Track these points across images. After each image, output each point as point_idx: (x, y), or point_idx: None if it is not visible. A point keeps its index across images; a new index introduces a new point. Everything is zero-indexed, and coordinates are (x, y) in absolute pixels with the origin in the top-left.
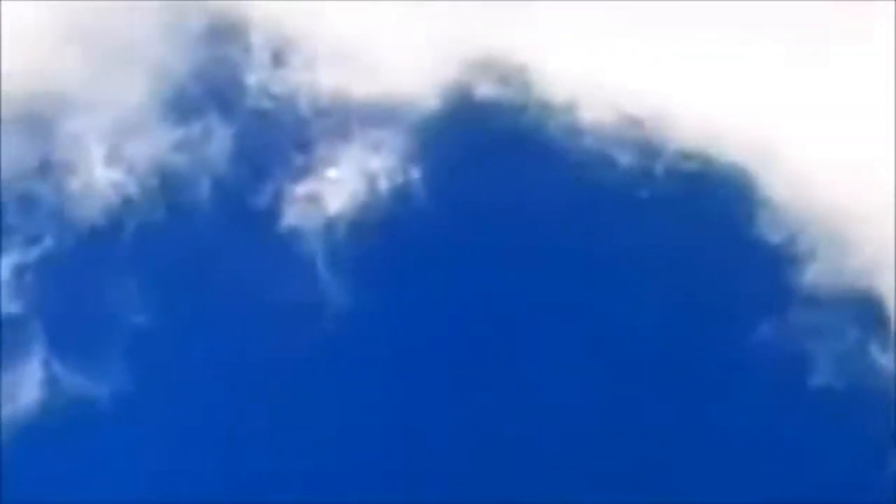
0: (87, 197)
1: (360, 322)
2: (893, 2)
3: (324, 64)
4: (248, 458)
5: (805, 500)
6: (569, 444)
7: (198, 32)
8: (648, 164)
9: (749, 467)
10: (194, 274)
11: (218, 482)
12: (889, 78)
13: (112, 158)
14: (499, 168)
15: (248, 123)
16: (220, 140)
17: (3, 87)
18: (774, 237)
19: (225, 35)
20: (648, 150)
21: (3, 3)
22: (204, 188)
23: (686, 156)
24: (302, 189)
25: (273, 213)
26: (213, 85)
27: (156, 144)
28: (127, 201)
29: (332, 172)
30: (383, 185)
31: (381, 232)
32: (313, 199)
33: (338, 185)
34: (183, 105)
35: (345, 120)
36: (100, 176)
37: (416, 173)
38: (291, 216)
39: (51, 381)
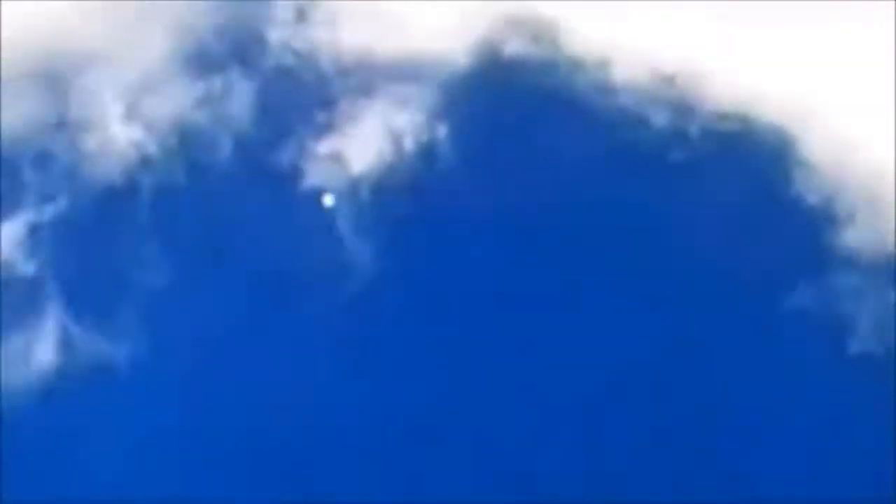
0: (104, 155)
1: (386, 285)
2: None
3: (347, 20)
4: (268, 423)
5: (844, 471)
6: (599, 407)
7: None
8: (683, 125)
9: (785, 436)
10: (214, 235)
11: (236, 447)
12: None
13: (130, 115)
14: (528, 127)
15: (269, 80)
16: (241, 97)
17: (20, 42)
18: (812, 199)
19: None
20: (683, 109)
21: None
22: (224, 146)
23: (722, 116)
24: (325, 147)
25: (295, 173)
26: (234, 41)
27: (175, 101)
28: (145, 159)
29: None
30: (409, 143)
31: (406, 192)
32: (336, 158)
33: (362, 144)
34: (204, 61)
35: (369, 77)
36: (117, 133)
37: (442, 132)
38: (314, 175)
39: (66, 344)
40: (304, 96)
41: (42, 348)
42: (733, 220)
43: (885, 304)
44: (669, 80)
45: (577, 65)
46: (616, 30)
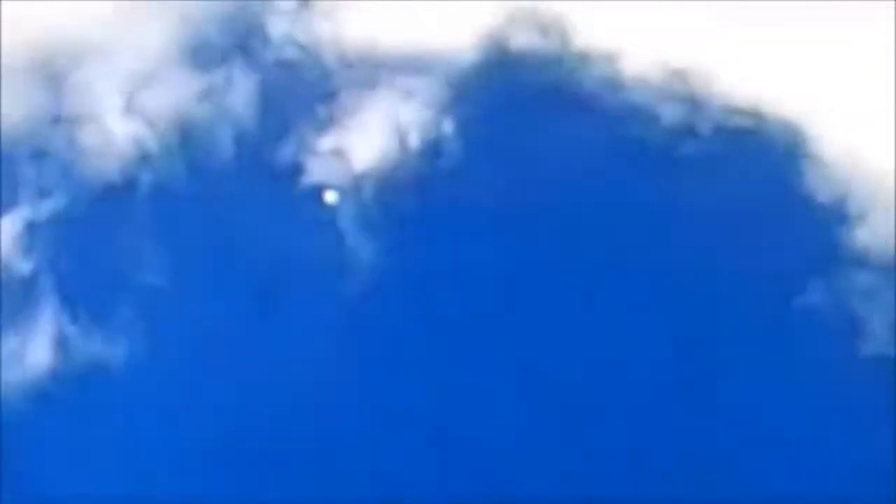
0: (101, 150)
1: (388, 284)
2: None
3: (351, 12)
4: (268, 422)
5: (854, 471)
6: (605, 404)
7: None
8: (693, 120)
9: (795, 437)
10: (213, 232)
11: (236, 447)
12: None
13: (129, 110)
14: (535, 123)
15: (271, 74)
16: (242, 91)
17: (16, 35)
18: (824, 196)
19: None
20: (693, 104)
21: None
22: (225, 142)
23: (733, 111)
24: (327, 142)
25: (297, 169)
26: (235, 33)
27: (175, 95)
28: (144, 155)
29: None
30: (413, 139)
31: (410, 188)
32: (339, 154)
33: (365, 139)
34: (204, 54)
35: (373, 71)
36: (116, 128)
37: (448, 127)
38: (316, 171)
39: (62, 344)
40: (306, 90)
41: (37, 348)
42: (743, 217)
43: None
44: (680, 74)
45: (585, 59)
46: (625, 23)
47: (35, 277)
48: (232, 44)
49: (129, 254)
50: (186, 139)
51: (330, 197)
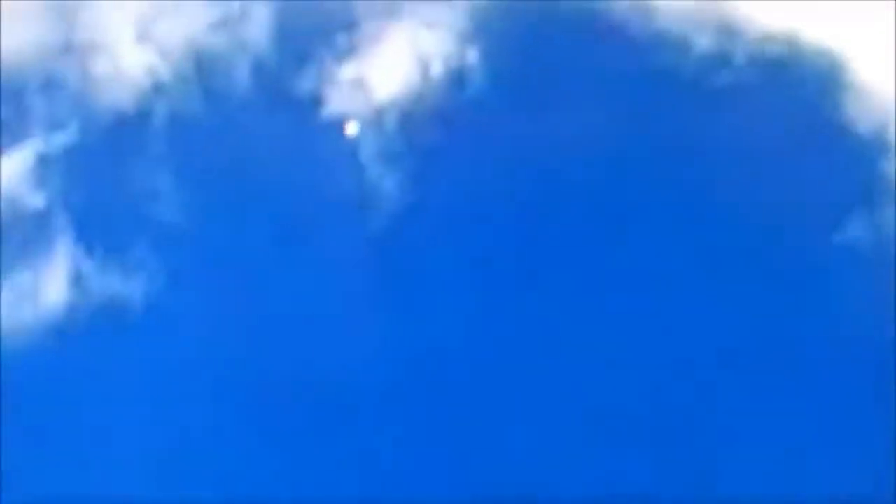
0: (114, 81)
1: (411, 218)
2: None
3: None
4: (288, 360)
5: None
6: (644, 344)
7: None
8: (727, 48)
9: (836, 379)
10: (231, 165)
11: (255, 387)
12: None
13: (142, 38)
14: (562, 51)
15: (289, 0)
16: (259, 19)
17: None
18: (864, 127)
19: None
20: (728, 31)
21: None
22: (242, 72)
23: (769, 38)
24: (347, 72)
25: (316, 100)
26: None
27: (190, 24)
28: (158, 85)
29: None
30: (437, 68)
31: (434, 120)
32: (360, 84)
33: (387, 69)
34: None
35: None
36: (129, 58)
37: (472, 56)
38: (336, 102)
39: (77, 280)
40: (325, 18)
41: (52, 285)
42: (780, 151)
43: None
44: (712, 1)
45: None
46: None
47: (48, 212)
48: None
49: (145, 187)
50: (202, 69)
51: (351, 128)
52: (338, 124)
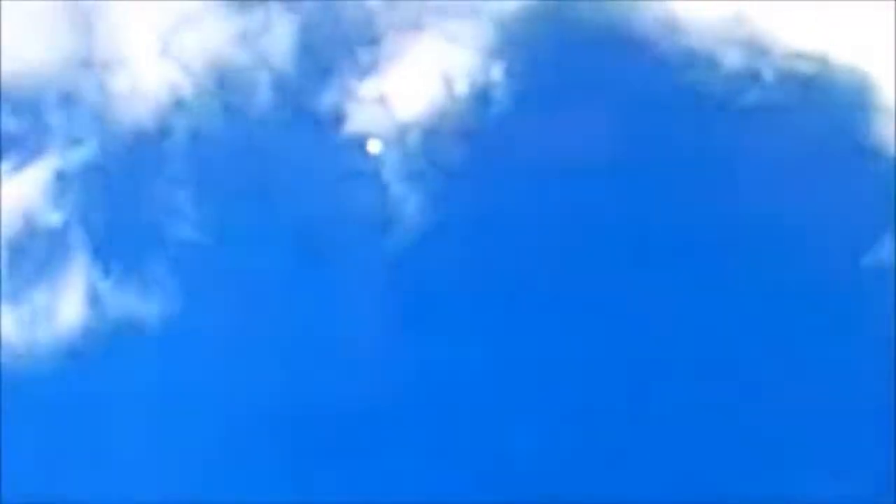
0: (134, 96)
1: (434, 238)
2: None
3: None
4: (308, 381)
5: None
6: (671, 368)
7: None
8: (756, 66)
9: (864, 403)
10: (251, 182)
11: (273, 406)
12: None
13: (163, 53)
14: (589, 68)
15: (311, 15)
16: (281, 34)
17: None
18: (894, 148)
19: None
20: (756, 48)
21: None
22: (263, 87)
23: (798, 56)
24: (370, 89)
25: (338, 116)
26: None
27: (211, 38)
28: (179, 101)
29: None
30: (461, 85)
31: (457, 138)
32: (382, 101)
33: (410, 85)
34: None
35: (418, 12)
36: (149, 73)
37: (497, 73)
38: (358, 119)
39: (93, 299)
40: (348, 34)
41: (68, 304)
42: (809, 169)
43: None
44: (741, 16)
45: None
46: None
47: (65, 229)
48: None
49: (163, 204)
50: (223, 84)
51: (373, 146)
52: (360, 142)
